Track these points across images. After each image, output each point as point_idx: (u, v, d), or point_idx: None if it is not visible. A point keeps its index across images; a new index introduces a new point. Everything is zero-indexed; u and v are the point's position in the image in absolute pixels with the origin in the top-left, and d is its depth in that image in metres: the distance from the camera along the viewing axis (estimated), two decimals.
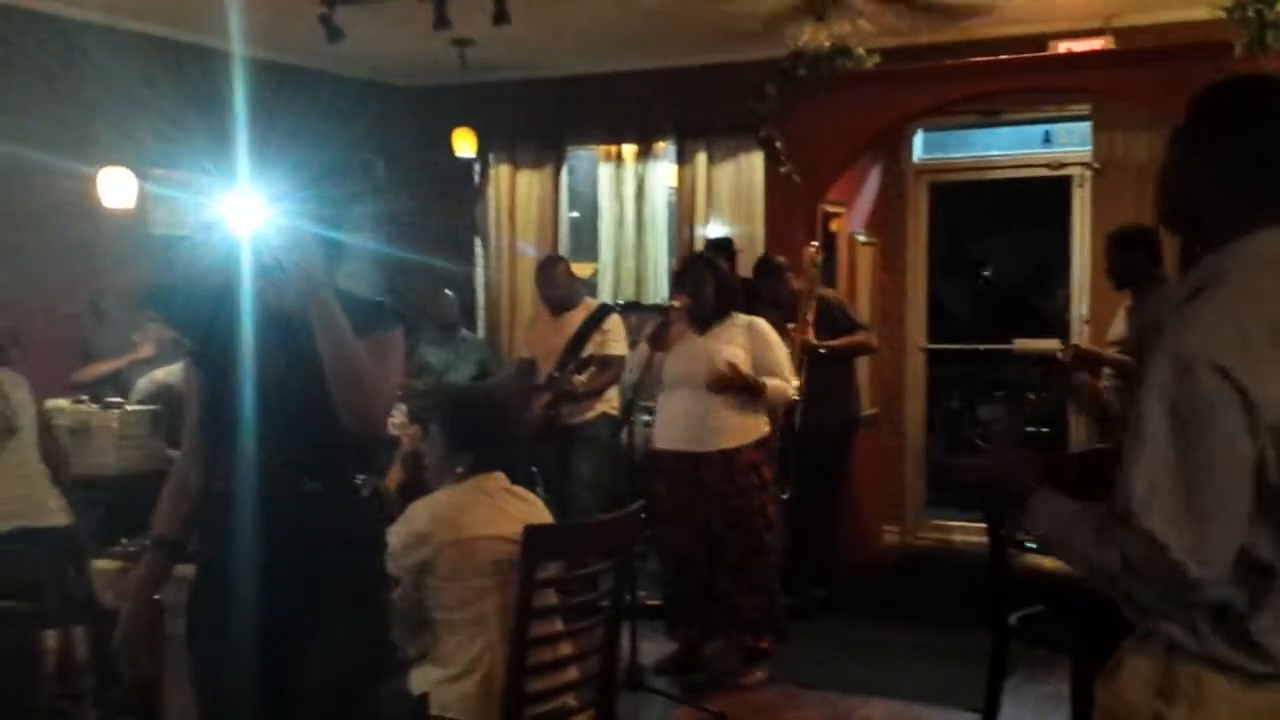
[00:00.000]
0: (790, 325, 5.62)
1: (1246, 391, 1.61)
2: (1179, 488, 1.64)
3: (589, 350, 6.03)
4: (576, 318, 6.15)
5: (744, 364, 4.77)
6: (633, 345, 6.16)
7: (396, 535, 2.98)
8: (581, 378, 5.96)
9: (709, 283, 4.90)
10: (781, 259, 5.92)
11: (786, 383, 4.86)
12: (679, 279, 5.10)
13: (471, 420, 3.26)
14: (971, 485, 2.12)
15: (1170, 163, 1.83)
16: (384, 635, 2.63)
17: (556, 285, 6.24)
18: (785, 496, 4.97)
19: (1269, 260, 1.70)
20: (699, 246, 7.12)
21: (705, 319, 4.89)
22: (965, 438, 7.57)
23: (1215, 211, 1.76)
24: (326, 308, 2.28)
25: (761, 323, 4.95)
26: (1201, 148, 1.77)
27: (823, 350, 5.70)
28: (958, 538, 7.30)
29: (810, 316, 5.77)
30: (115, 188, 6.02)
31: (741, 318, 4.93)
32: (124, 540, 3.55)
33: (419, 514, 3.10)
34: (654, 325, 5.01)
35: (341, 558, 2.44)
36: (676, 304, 4.93)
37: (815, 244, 5.99)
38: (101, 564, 3.47)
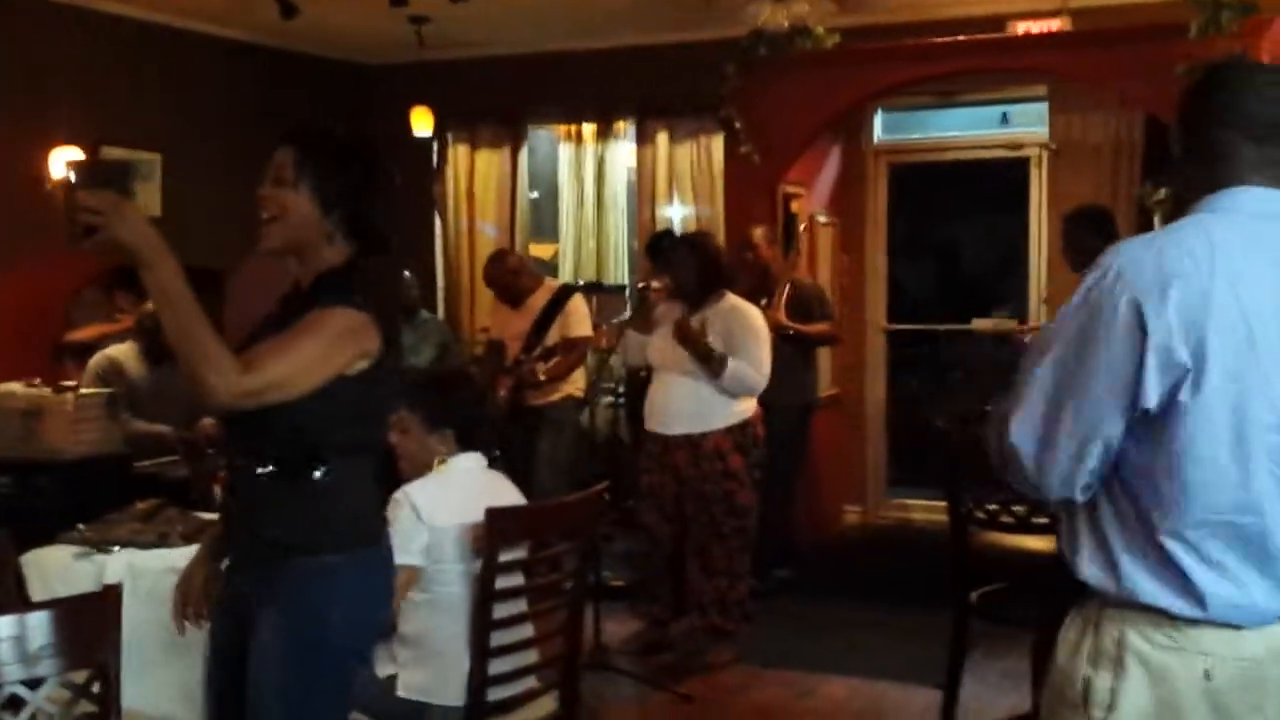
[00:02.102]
0: (762, 301, 5.64)
1: (1143, 312, 1.68)
2: (1048, 383, 1.74)
3: (553, 331, 6.02)
4: (539, 300, 6.13)
5: (717, 347, 4.76)
6: (596, 326, 6.16)
7: (395, 526, 2.93)
8: (545, 365, 5.96)
9: (690, 263, 4.88)
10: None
11: (755, 368, 4.79)
12: (655, 259, 5.10)
13: (452, 398, 3.25)
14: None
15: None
16: (316, 637, 2.36)
17: (504, 281, 6.21)
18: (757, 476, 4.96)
19: (1221, 210, 1.78)
20: (660, 226, 7.12)
21: (692, 300, 4.87)
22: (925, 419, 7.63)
23: (1189, 177, 1.85)
24: (157, 277, 2.10)
25: (747, 310, 4.89)
26: (1179, 117, 1.87)
27: (790, 332, 5.72)
28: (918, 516, 7.36)
29: (781, 298, 5.79)
30: (63, 166, 5.91)
31: (730, 301, 4.88)
32: (80, 526, 3.51)
33: (416, 499, 3.06)
34: (634, 309, 5.01)
35: (283, 549, 2.38)
36: (656, 284, 4.94)
37: (762, 226, 6.02)
38: (57, 551, 3.43)
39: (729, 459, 4.82)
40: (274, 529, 2.39)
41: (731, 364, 4.73)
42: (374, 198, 2.43)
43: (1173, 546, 1.71)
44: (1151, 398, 1.68)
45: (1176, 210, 1.87)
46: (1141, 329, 1.67)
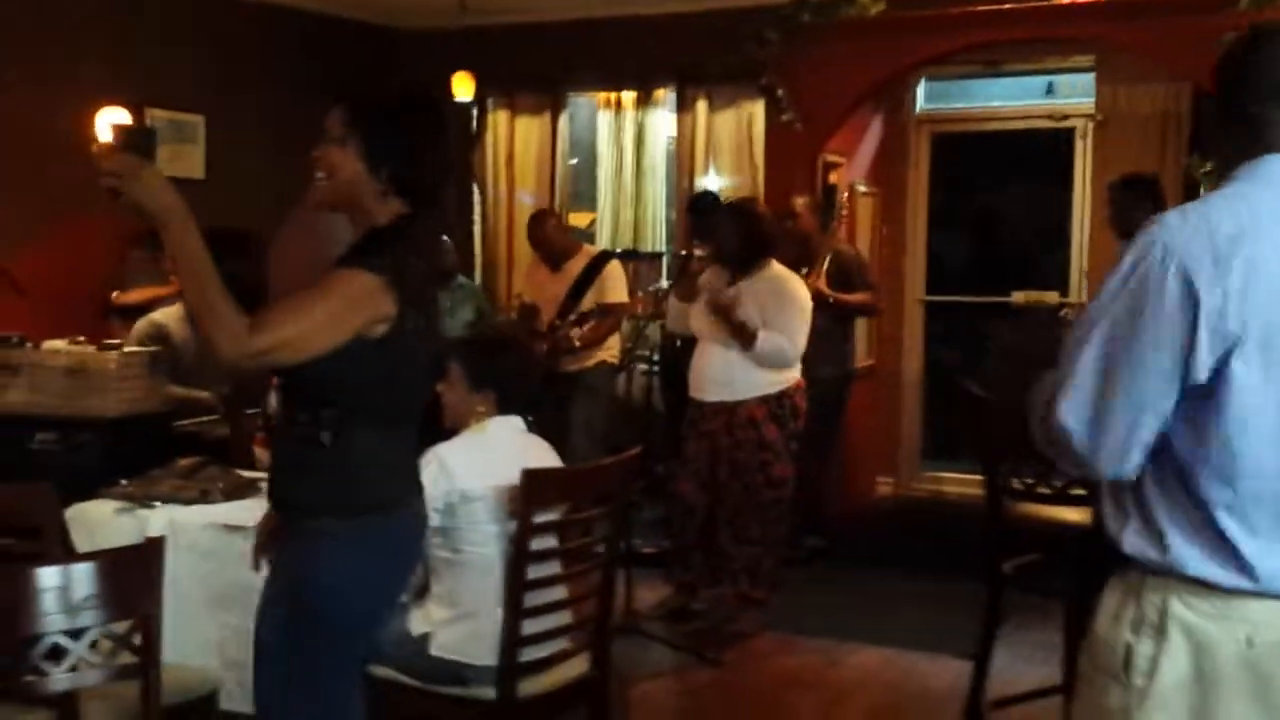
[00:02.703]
0: (803, 270, 5.63)
1: (1194, 284, 1.67)
2: (1098, 358, 1.72)
3: (589, 297, 6.03)
4: (576, 265, 6.14)
5: (752, 319, 4.74)
6: (633, 293, 6.17)
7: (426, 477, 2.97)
8: (580, 331, 5.97)
9: (734, 230, 4.86)
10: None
11: (789, 341, 4.76)
12: (695, 218, 5.09)
13: (494, 359, 3.27)
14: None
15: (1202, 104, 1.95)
16: (306, 602, 2.36)
17: (546, 241, 6.23)
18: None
19: (1265, 180, 1.77)
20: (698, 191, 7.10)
21: (735, 267, 4.86)
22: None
23: (1225, 145, 1.85)
24: (173, 240, 2.16)
25: (789, 280, 4.86)
26: (1216, 86, 1.86)
27: (830, 300, 5.70)
28: (951, 489, 7.34)
29: (821, 267, 5.78)
30: (109, 126, 5.96)
31: (774, 270, 4.86)
32: (123, 481, 3.56)
33: (446, 457, 3.09)
34: (676, 276, 5.01)
35: (291, 508, 2.43)
36: (698, 252, 4.93)
37: (804, 196, 6.01)
38: (99, 505, 3.48)
39: (763, 429, 4.82)
40: (284, 488, 2.45)
41: (763, 336, 4.71)
42: (425, 155, 2.41)
43: (1221, 518, 1.71)
44: (1203, 369, 1.68)
45: (1218, 180, 1.86)
46: (1193, 300, 1.67)
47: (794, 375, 4.90)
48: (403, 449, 2.47)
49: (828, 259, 5.88)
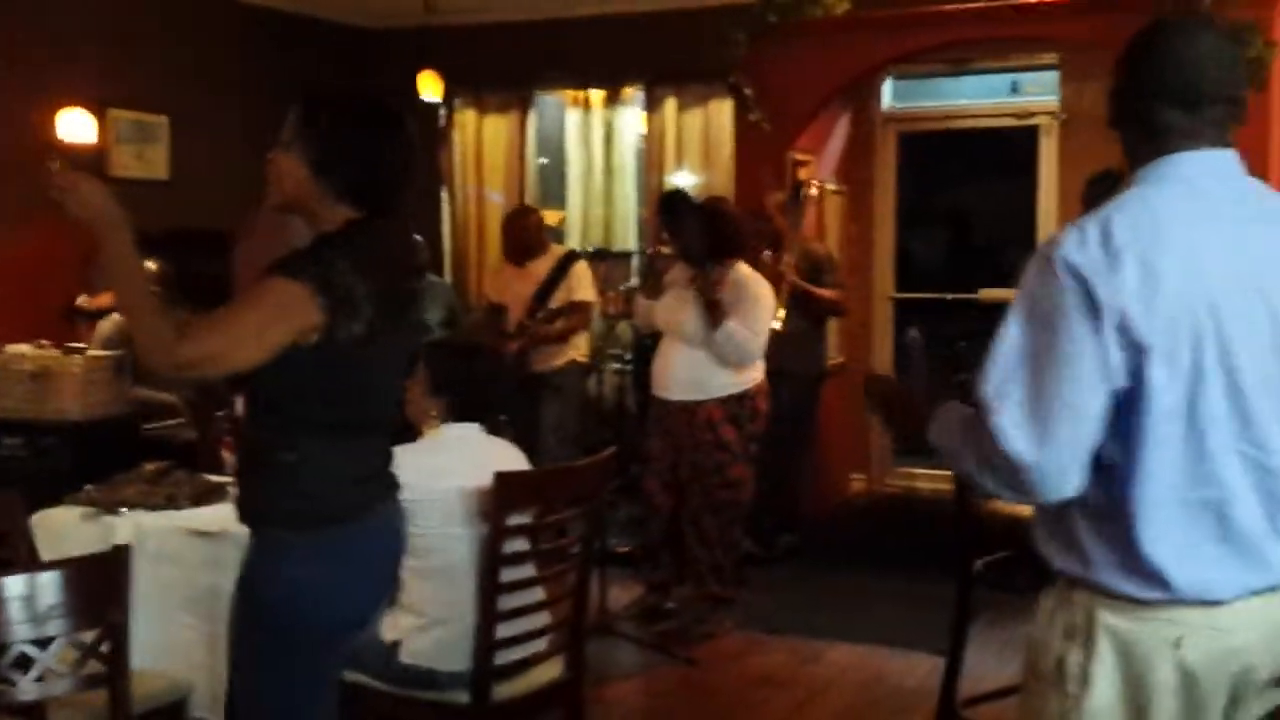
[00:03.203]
0: (769, 254, 5.64)
1: (1094, 293, 1.66)
2: (1026, 383, 1.70)
3: (557, 296, 6.03)
4: (543, 265, 6.14)
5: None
6: (602, 292, 6.17)
7: None
8: (554, 326, 5.98)
9: (700, 231, 4.86)
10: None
11: (751, 333, 4.75)
12: (666, 218, 5.10)
13: (453, 367, 3.24)
14: (875, 400, 2.15)
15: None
16: (258, 614, 2.34)
17: (528, 235, 6.22)
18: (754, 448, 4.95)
19: (1166, 179, 1.76)
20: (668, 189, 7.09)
21: (700, 266, 4.86)
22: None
23: (1129, 147, 1.84)
24: (107, 250, 2.19)
25: (754, 281, 4.85)
26: (1115, 88, 1.85)
27: (799, 291, 5.69)
28: (923, 485, 7.36)
29: (791, 260, 5.79)
30: (74, 129, 5.91)
31: (740, 271, 4.85)
32: (89, 487, 3.53)
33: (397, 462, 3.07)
34: (643, 275, 5.01)
35: (248, 518, 2.40)
36: (664, 250, 4.93)
37: (775, 194, 6.02)
38: (64, 512, 3.44)
39: (720, 430, 4.81)
40: (242, 496, 2.44)
41: (729, 325, 4.70)
42: (375, 159, 2.36)
43: (1139, 530, 1.70)
44: (1119, 378, 1.67)
45: (1127, 183, 1.83)
46: (1095, 312, 1.65)
47: (755, 376, 4.88)
48: (361, 457, 2.40)
49: (798, 254, 5.89)
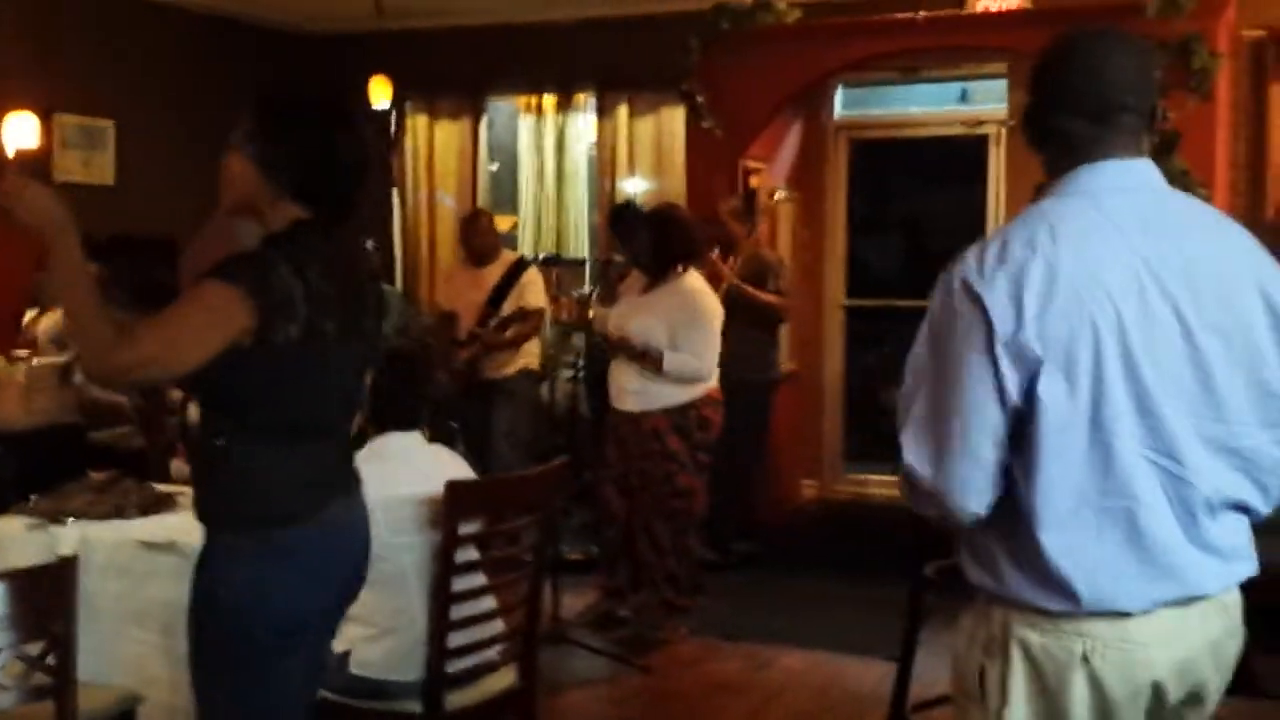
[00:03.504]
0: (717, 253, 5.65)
1: (986, 310, 1.66)
2: (927, 402, 1.71)
3: (508, 303, 6.02)
4: (495, 272, 6.13)
5: (657, 332, 4.75)
6: (555, 298, 6.17)
7: None
8: (506, 334, 5.98)
9: (648, 240, 4.87)
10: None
11: (698, 358, 4.75)
12: (617, 230, 5.11)
13: (385, 383, 3.19)
14: None
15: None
16: (205, 617, 2.32)
17: (484, 234, 6.22)
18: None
19: (1068, 194, 1.76)
20: (620, 199, 7.10)
21: (650, 274, 4.86)
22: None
23: (1045, 163, 1.83)
24: (53, 255, 2.19)
25: (699, 295, 4.82)
26: (1027, 104, 1.85)
27: (740, 293, 5.68)
28: (875, 491, 7.41)
29: (734, 263, 5.80)
30: (19, 133, 5.82)
31: (687, 282, 4.84)
32: (34, 497, 3.47)
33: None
34: (600, 284, 5.02)
35: (201, 520, 2.38)
36: (617, 258, 4.94)
37: (729, 201, 6.05)
38: (9, 522, 3.38)
39: (666, 440, 4.81)
40: (196, 500, 2.42)
41: (669, 358, 4.72)
42: (326, 160, 2.35)
43: (1045, 541, 1.68)
44: (1014, 393, 1.66)
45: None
46: (987, 326, 1.65)
47: (702, 387, 4.86)
48: (310, 460, 2.37)
49: (746, 257, 5.91)
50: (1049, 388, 1.64)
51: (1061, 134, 1.77)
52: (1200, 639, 1.74)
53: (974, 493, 1.69)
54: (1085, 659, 1.69)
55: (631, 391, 4.84)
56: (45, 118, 6.19)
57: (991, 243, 1.71)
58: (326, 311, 2.28)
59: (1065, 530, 1.68)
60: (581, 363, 6.46)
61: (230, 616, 2.30)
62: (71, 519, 3.35)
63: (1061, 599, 1.69)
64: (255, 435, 2.30)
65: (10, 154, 5.60)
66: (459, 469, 3.27)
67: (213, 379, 2.23)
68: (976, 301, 1.66)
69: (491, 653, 3.18)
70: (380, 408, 3.17)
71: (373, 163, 2.47)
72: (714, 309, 4.86)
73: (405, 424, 3.21)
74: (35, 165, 6.06)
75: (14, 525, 3.36)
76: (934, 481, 1.70)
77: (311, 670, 2.48)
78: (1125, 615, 1.69)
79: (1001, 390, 1.66)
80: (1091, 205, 1.73)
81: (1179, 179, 5.09)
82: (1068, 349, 1.64)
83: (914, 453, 1.71)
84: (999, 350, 1.64)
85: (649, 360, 4.74)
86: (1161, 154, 5.17)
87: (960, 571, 1.83)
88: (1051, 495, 1.67)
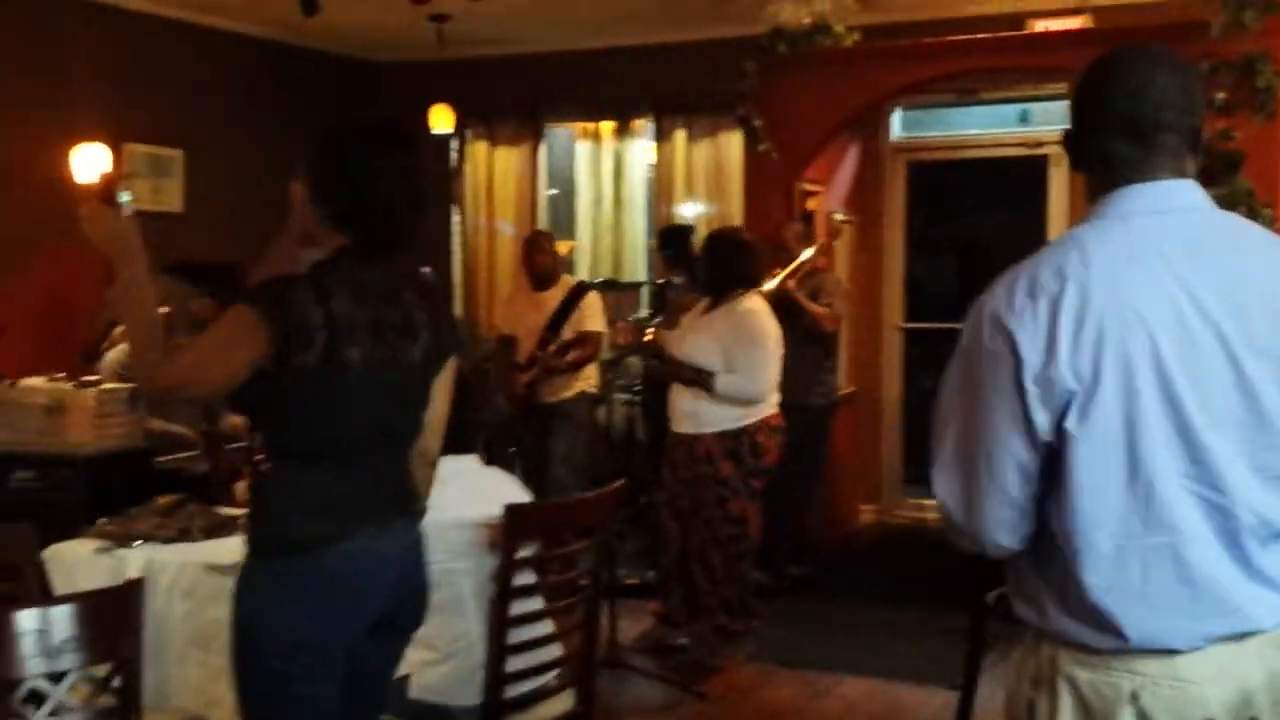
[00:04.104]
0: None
1: (1015, 344, 1.62)
2: (957, 436, 1.68)
3: (568, 327, 6.05)
4: (555, 296, 6.16)
5: (710, 353, 4.74)
6: (612, 322, 6.19)
7: None
8: (565, 358, 6.01)
9: (708, 259, 4.88)
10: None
11: (750, 381, 4.72)
12: (666, 252, 5.12)
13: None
14: None
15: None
16: (234, 638, 2.37)
17: (545, 254, 6.26)
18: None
19: (1105, 217, 1.71)
20: (671, 224, 7.13)
21: (710, 296, 4.88)
22: None
23: (1087, 184, 1.78)
24: (120, 278, 2.33)
25: (756, 317, 4.79)
26: (1070, 124, 1.79)
27: (791, 300, 5.63)
28: (934, 516, 7.30)
29: (796, 277, 5.75)
30: (88, 163, 5.95)
31: (745, 303, 4.83)
32: (103, 520, 3.53)
33: None
34: (663, 308, 5.03)
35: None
36: (676, 281, 4.96)
37: (793, 225, 6.03)
38: (78, 545, 3.45)
39: (719, 465, 4.78)
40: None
41: (720, 380, 4.69)
42: (368, 186, 2.36)
43: (1088, 580, 1.64)
44: (1043, 428, 1.62)
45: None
46: (1015, 359, 1.61)
47: (758, 412, 4.80)
48: (328, 488, 2.36)
49: (806, 274, 5.88)
50: (1080, 421, 1.60)
51: (1102, 154, 1.72)
52: (1255, 674, 1.67)
53: (1005, 529, 1.67)
54: (1134, 697, 1.65)
55: (685, 414, 4.84)
56: (116, 147, 6.33)
57: (1021, 273, 1.67)
58: (352, 339, 2.30)
59: (1108, 569, 1.63)
60: (637, 386, 6.47)
61: (248, 641, 2.36)
62: (139, 542, 3.41)
63: (1109, 637, 1.65)
64: (281, 457, 2.36)
65: (88, 180, 5.73)
66: (514, 492, 3.28)
67: (249, 401, 2.33)
68: (1005, 335, 1.62)
69: (549, 678, 3.18)
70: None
71: (425, 192, 2.48)
72: (769, 330, 4.81)
73: (460, 448, 3.23)
74: (106, 193, 6.20)
75: (83, 548, 3.42)
76: (964, 518, 1.68)
77: (357, 696, 2.47)
78: (1175, 653, 1.65)
79: (1030, 426, 1.62)
80: (1128, 229, 1.68)
81: (1244, 199, 5.01)
82: (1100, 381, 1.60)
83: (944, 488, 1.69)
84: (1028, 385, 1.61)
85: (701, 383, 4.74)
86: (1226, 174, 5.10)
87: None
88: (1091, 533, 1.63)
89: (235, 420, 4.53)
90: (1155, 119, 1.70)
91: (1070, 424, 1.60)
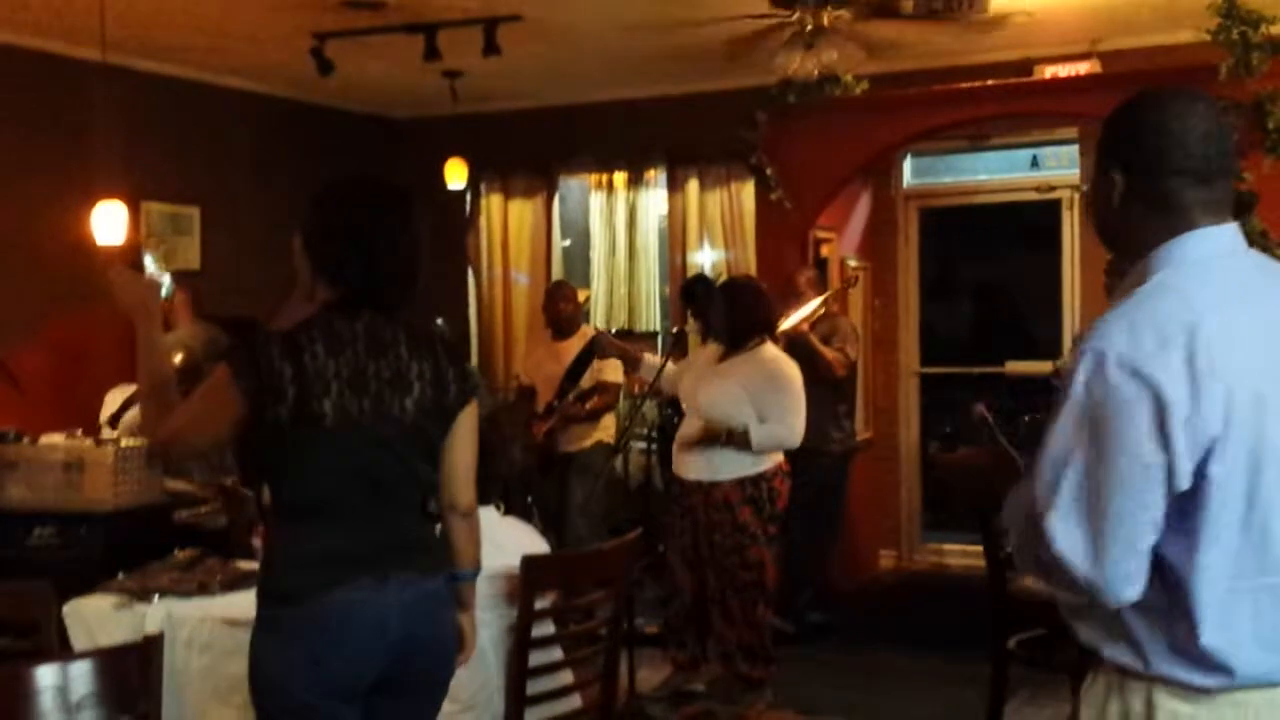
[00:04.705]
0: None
1: (1159, 390, 1.59)
2: (1080, 488, 1.63)
3: (586, 377, 6.07)
4: (574, 345, 6.19)
5: (738, 400, 4.73)
6: (627, 373, 6.20)
7: None
8: (583, 406, 6.03)
9: (724, 309, 4.88)
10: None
11: (786, 428, 4.69)
12: (689, 303, 5.12)
13: None
14: (957, 475, 2.14)
15: (1095, 183, 1.84)
16: (250, 691, 2.43)
17: (566, 302, 6.30)
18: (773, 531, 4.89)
19: (1190, 262, 1.71)
20: (691, 272, 7.15)
21: (725, 345, 4.87)
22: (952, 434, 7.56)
23: (1137, 228, 1.76)
24: (139, 337, 2.45)
25: (781, 364, 4.77)
26: (1116, 166, 1.78)
27: (804, 342, 5.63)
28: (954, 561, 7.30)
29: (809, 322, 5.76)
30: (108, 222, 6.02)
31: (768, 352, 4.81)
32: (121, 575, 3.54)
33: None
34: (672, 346, 5.02)
35: None
36: (690, 329, 4.97)
37: (805, 272, 6.05)
38: (97, 600, 3.46)
39: (738, 511, 4.75)
40: None
41: (757, 432, 4.65)
42: (352, 241, 2.40)
43: (1198, 623, 1.63)
44: (1185, 475, 1.60)
45: (1127, 268, 1.78)
46: (1159, 404, 1.59)
47: (775, 458, 4.80)
48: (317, 542, 2.38)
49: (820, 318, 5.89)
50: (1216, 469, 1.60)
51: (1164, 197, 1.72)
52: None
53: (1131, 583, 1.63)
54: None
55: (700, 460, 4.80)
56: (134, 206, 6.40)
57: (1138, 319, 1.64)
58: (325, 392, 2.33)
59: (1220, 611, 1.63)
60: (654, 434, 6.47)
61: (252, 690, 2.43)
62: (157, 596, 3.41)
63: (1215, 675, 1.65)
64: (274, 510, 2.44)
65: (114, 243, 5.80)
66: (533, 543, 3.29)
67: (250, 457, 2.42)
68: (1143, 382, 1.59)
69: None
70: None
71: (417, 246, 2.47)
72: (796, 375, 4.78)
73: (483, 499, 3.23)
74: (133, 257, 6.27)
75: (102, 603, 3.42)
76: (1089, 571, 1.63)
77: None
78: (1276, 685, 1.66)
79: (1171, 474, 1.60)
80: (1213, 272, 1.70)
81: (1257, 240, 5.02)
82: (1230, 425, 1.60)
83: (1065, 540, 1.63)
84: (1175, 431, 1.59)
85: (739, 441, 4.67)
86: (1239, 215, 5.10)
87: (1077, 642, 1.77)
88: (1209, 578, 1.63)
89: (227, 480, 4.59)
90: (1221, 164, 1.73)
91: (1214, 469, 1.60)
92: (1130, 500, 1.61)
